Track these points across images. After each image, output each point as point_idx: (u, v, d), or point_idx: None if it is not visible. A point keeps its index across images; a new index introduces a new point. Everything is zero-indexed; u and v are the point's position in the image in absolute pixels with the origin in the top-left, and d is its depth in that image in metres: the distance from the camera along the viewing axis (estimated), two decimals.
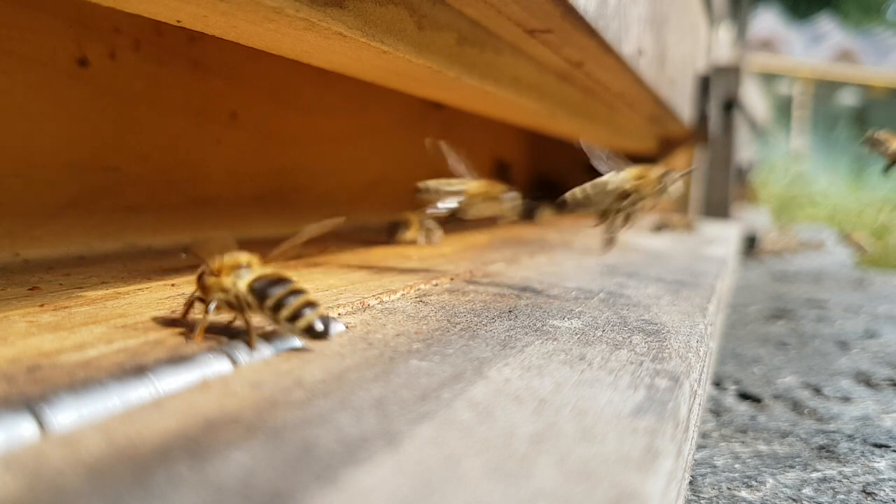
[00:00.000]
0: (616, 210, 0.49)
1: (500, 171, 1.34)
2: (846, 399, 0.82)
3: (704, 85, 1.65)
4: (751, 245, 2.16)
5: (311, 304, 0.31)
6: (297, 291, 0.31)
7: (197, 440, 0.21)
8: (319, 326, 0.30)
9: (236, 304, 0.31)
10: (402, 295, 0.48)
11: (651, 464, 0.22)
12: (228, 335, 0.33)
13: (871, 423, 0.73)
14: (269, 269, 0.32)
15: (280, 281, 0.31)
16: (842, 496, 0.56)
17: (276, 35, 0.42)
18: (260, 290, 0.31)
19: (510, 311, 0.45)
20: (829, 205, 3.83)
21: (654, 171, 0.49)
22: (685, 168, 1.69)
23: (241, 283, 0.31)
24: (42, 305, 0.38)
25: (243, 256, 0.32)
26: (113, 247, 0.63)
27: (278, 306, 0.30)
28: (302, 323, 0.30)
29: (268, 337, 0.33)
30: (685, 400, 0.29)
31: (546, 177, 1.82)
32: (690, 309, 0.50)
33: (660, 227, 1.24)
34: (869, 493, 0.57)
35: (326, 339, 0.31)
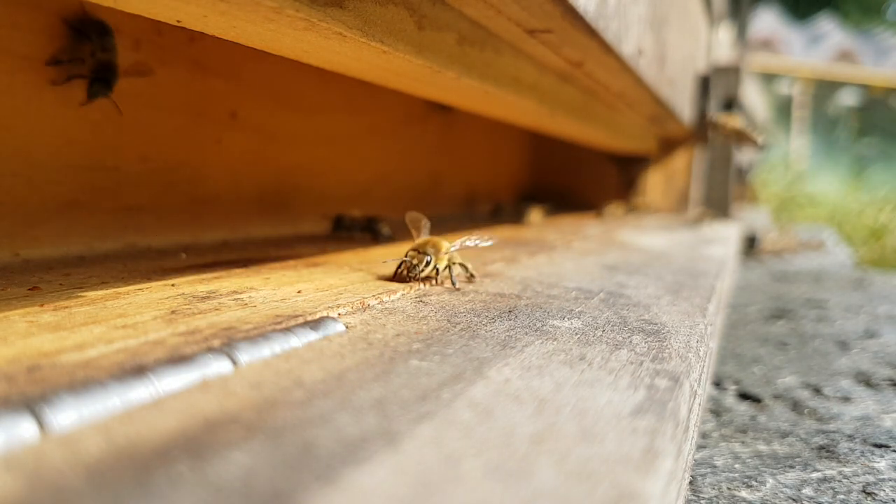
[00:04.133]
0: None
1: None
2: (846, 399, 0.82)
3: (704, 85, 1.66)
4: (751, 245, 2.16)
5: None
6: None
7: (197, 440, 0.21)
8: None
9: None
10: (402, 295, 0.48)
11: (651, 464, 0.22)
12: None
13: (871, 423, 0.73)
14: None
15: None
16: (842, 496, 0.56)
17: (276, 35, 0.43)
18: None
19: (510, 311, 0.45)
20: (828, 205, 3.83)
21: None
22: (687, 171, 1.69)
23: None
24: (42, 305, 0.38)
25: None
26: (113, 247, 0.63)
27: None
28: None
29: (267, 334, 0.33)
30: (685, 400, 0.29)
31: (545, 183, 1.82)
32: (690, 309, 0.50)
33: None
34: (869, 493, 0.57)
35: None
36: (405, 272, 0.52)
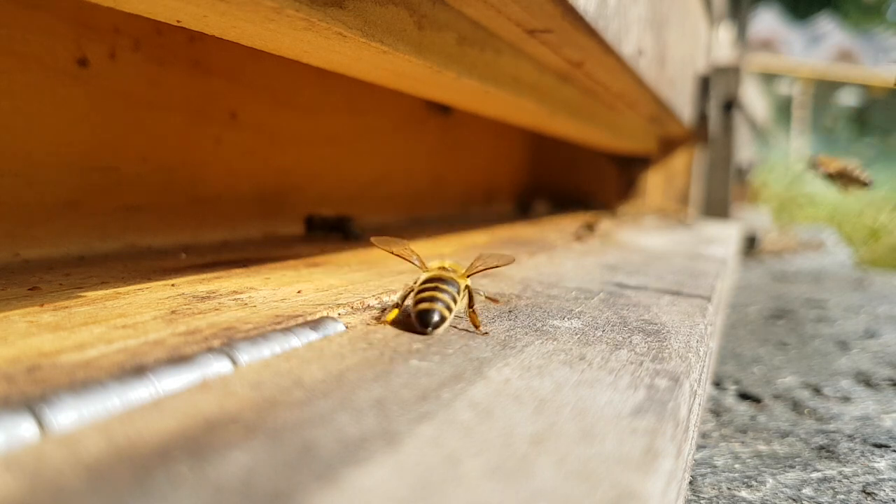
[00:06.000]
0: None
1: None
2: (846, 399, 0.82)
3: (704, 85, 1.65)
4: (751, 245, 2.16)
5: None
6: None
7: (197, 440, 0.21)
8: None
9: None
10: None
11: (651, 464, 0.22)
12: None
13: (871, 423, 0.73)
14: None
15: None
16: (842, 496, 0.56)
17: (276, 35, 0.42)
18: None
19: (510, 311, 0.45)
20: (829, 205, 3.82)
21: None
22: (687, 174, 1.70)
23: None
24: (42, 305, 0.38)
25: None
26: (113, 247, 0.63)
27: None
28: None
29: (266, 334, 0.33)
30: (685, 400, 0.29)
31: (545, 184, 1.82)
32: (690, 309, 0.50)
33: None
34: (869, 493, 0.57)
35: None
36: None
